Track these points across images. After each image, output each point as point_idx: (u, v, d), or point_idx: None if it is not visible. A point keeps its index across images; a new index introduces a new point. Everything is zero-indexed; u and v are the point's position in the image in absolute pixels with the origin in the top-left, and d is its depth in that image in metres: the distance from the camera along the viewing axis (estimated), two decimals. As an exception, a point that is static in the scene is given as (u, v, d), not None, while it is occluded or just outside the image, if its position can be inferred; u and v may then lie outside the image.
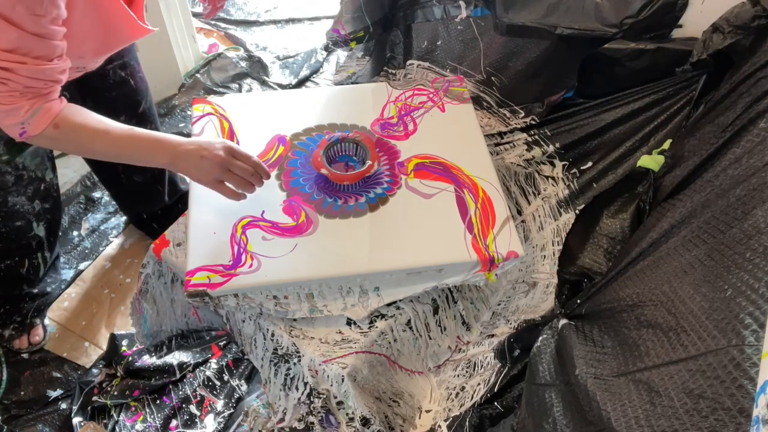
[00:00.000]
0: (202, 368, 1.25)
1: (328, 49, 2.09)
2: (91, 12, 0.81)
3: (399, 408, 1.10)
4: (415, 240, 0.97)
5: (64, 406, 1.27)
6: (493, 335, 1.14)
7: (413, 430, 1.10)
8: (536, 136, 1.33)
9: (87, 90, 1.08)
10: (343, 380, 0.95)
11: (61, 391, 1.29)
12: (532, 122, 1.32)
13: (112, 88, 1.14)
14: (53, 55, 0.75)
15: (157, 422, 1.19)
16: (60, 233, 1.54)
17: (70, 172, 1.68)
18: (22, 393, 1.29)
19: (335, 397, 0.98)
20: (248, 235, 0.96)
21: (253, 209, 0.99)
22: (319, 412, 1.01)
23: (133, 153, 0.87)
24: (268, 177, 0.96)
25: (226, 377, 1.25)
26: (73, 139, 0.83)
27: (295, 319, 0.99)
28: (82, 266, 1.51)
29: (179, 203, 1.50)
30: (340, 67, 1.69)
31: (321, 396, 0.99)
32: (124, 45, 0.98)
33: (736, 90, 0.91)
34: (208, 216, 0.98)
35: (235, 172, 0.89)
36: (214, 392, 1.23)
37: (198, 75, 1.97)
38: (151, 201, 1.45)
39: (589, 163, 1.27)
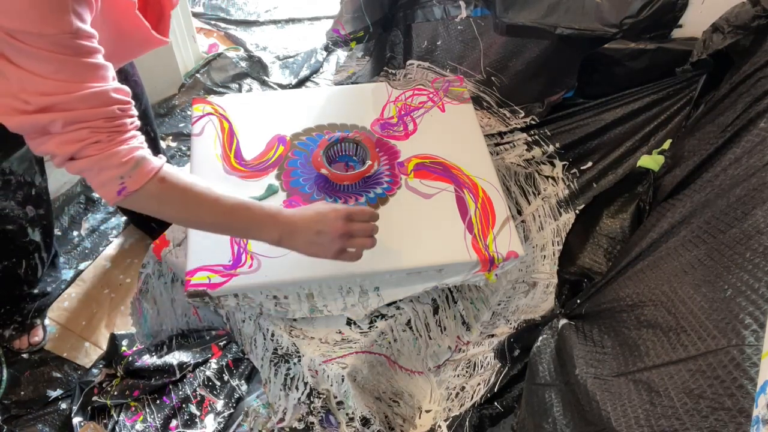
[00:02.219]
0: (202, 368, 1.25)
1: (328, 49, 2.09)
2: (107, 26, 0.77)
3: (399, 408, 1.10)
4: (415, 240, 0.97)
5: (64, 406, 1.27)
6: (493, 335, 1.14)
7: (413, 430, 1.10)
8: (536, 136, 1.33)
9: None
10: (343, 380, 0.95)
11: (61, 391, 1.29)
12: (532, 122, 1.32)
13: None
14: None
15: (157, 422, 1.19)
16: (59, 233, 1.55)
17: (70, 172, 1.67)
18: (22, 393, 1.29)
19: (335, 397, 0.98)
20: (248, 235, 0.96)
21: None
22: (319, 412, 1.01)
23: (239, 226, 0.79)
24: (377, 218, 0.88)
25: (226, 377, 1.25)
26: (178, 199, 0.75)
27: (295, 319, 0.99)
28: (82, 266, 1.51)
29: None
30: (340, 67, 1.69)
31: (321, 396, 0.99)
32: (136, 56, 0.94)
33: (736, 90, 0.91)
34: (208, 216, 0.98)
35: (358, 236, 0.82)
36: (214, 392, 1.23)
37: (198, 75, 1.97)
38: None
39: (589, 163, 1.27)
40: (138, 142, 0.73)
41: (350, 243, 0.82)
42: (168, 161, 0.76)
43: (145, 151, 0.72)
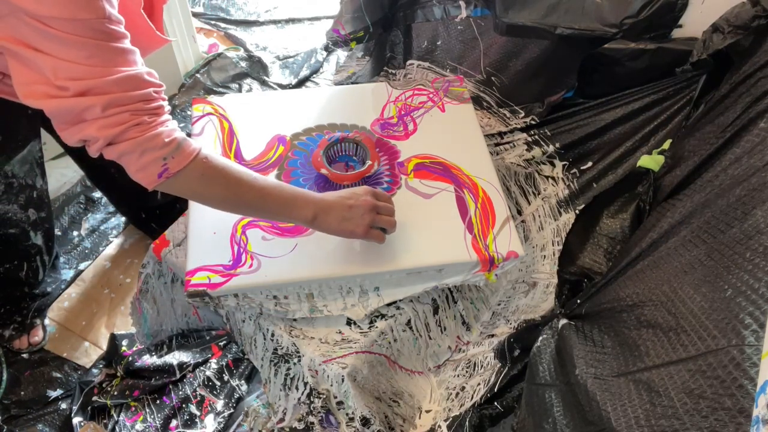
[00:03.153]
0: (202, 368, 1.25)
1: (328, 49, 2.09)
2: None
3: (399, 408, 1.10)
4: (415, 240, 0.97)
5: (64, 406, 1.27)
6: (493, 335, 1.14)
7: (413, 430, 1.10)
8: (536, 136, 1.33)
9: None
10: (343, 380, 0.95)
11: (61, 391, 1.29)
12: (532, 122, 1.32)
13: None
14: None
15: (157, 422, 1.19)
16: (59, 233, 1.55)
17: (71, 172, 1.68)
18: (22, 393, 1.29)
19: (335, 397, 0.98)
20: (248, 235, 0.96)
21: (253, 209, 0.99)
22: (319, 412, 1.01)
23: (276, 206, 0.81)
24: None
25: (226, 377, 1.25)
26: (219, 178, 0.76)
27: (295, 319, 0.99)
28: (82, 266, 1.51)
29: (177, 203, 1.49)
30: (340, 67, 1.69)
31: (321, 396, 0.99)
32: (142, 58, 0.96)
33: (736, 90, 0.91)
34: (208, 216, 0.98)
35: (383, 213, 0.86)
36: (214, 392, 1.23)
37: (198, 75, 1.97)
38: (145, 197, 1.44)
39: (589, 163, 1.27)
40: (174, 124, 0.74)
41: (378, 218, 0.85)
42: None
43: (183, 133, 0.74)
